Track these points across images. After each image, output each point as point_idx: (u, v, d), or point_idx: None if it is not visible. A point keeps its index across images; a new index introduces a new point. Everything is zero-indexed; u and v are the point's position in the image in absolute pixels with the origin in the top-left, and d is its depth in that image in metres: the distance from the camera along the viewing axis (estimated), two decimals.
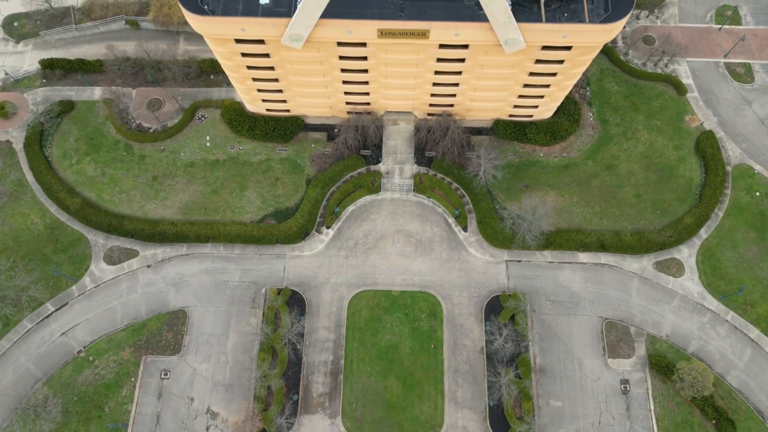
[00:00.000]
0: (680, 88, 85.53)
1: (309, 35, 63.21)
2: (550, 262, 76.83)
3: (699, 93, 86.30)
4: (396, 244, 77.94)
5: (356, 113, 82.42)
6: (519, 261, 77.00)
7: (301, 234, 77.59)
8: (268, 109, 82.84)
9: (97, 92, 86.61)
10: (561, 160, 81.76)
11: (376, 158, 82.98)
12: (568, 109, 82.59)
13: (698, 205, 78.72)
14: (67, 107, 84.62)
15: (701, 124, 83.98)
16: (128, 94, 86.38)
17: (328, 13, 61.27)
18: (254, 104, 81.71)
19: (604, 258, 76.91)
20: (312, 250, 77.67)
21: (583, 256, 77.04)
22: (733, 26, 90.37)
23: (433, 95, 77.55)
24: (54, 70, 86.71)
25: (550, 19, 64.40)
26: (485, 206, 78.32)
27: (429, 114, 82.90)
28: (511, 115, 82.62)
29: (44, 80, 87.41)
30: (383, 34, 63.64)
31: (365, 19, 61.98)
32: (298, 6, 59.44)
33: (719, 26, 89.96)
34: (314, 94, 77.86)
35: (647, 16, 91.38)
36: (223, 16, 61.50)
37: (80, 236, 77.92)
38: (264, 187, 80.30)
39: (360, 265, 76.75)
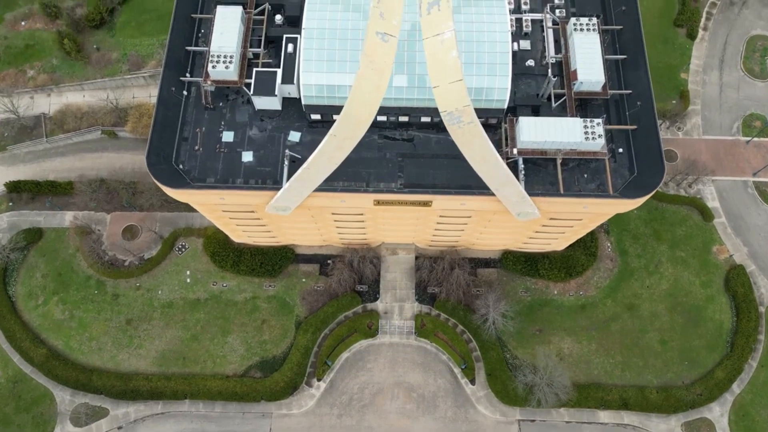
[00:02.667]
0: (706, 214, 78.13)
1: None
2: (567, 422, 69.08)
3: (727, 218, 78.89)
4: (396, 400, 70.23)
5: (351, 247, 75.10)
6: (533, 421, 69.24)
7: (289, 389, 69.86)
8: (254, 241, 75.60)
9: (68, 218, 79.13)
10: (577, 299, 74.24)
11: (374, 294, 75.42)
12: (584, 240, 75.07)
13: (730, 356, 71.09)
14: (34, 237, 77.13)
15: (730, 256, 76.49)
16: (102, 220, 78.95)
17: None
18: (239, 237, 74.38)
19: (628, 418, 69.16)
20: (301, 408, 69.88)
21: (604, 415, 69.30)
22: (762, 139, 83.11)
23: (435, 235, 70.30)
24: (21, 193, 79.50)
25: (568, 180, 57.10)
26: (495, 356, 70.66)
27: (431, 245, 75.63)
28: (522, 246, 75.37)
29: (10, 203, 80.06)
30: (380, 203, 56.43)
31: (359, 192, 54.69)
32: (284, 185, 52.09)
33: (747, 139, 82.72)
34: (305, 231, 70.58)
35: (668, 128, 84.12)
36: (199, 189, 54.01)
37: (45, 392, 70.20)
38: (249, 331, 72.68)
39: (355, 427, 68.98)
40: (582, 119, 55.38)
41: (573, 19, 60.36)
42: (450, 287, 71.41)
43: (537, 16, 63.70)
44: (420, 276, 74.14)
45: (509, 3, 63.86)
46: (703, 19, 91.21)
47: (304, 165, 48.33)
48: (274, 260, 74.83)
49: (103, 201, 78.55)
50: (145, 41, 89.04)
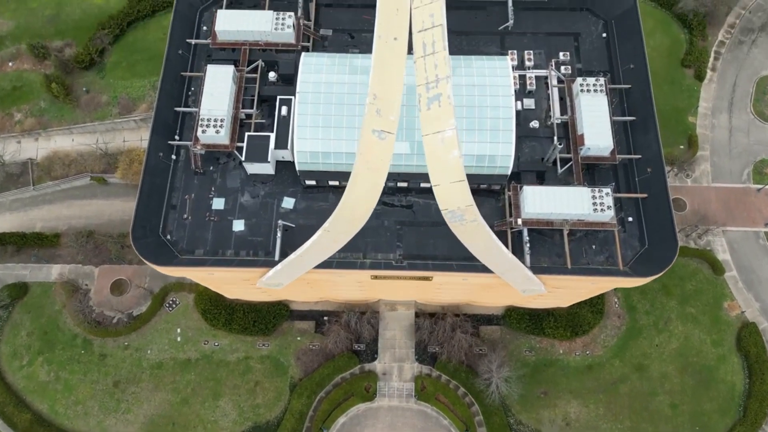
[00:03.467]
0: (717, 267, 75.30)
1: None
2: None
3: (738, 272, 76.06)
4: None
5: (348, 305, 72.35)
6: None
7: None
8: (248, 298, 72.78)
9: (54, 271, 76.28)
10: (583, 359, 71.39)
11: (372, 354, 72.52)
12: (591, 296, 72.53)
13: (743, 421, 68.20)
14: (19, 292, 74.26)
15: (742, 312, 73.67)
16: (90, 274, 76.10)
17: None
18: (233, 294, 71.58)
19: None
20: None
21: None
22: None
23: (436, 295, 67.54)
24: (6, 245, 76.69)
25: (575, 251, 54.22)
26: (498, 421, 67.72)
27: (432, 302, 72.85)
28: (526, 304, 72.54)
29: None
30: (378, 277, 53.72)
31: (355, 269, 51.89)
32: (277, 266, 49.27)
33: (758, 187, 79.96)
34: (301, 291, 67.79)
35: (676, 174, 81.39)
36: (187, 267, 51.20)
37: None
38: (242, 394, 69.77)
39: None
40: (590, 189, 52.64)
41: (579, 80, 57.59)
42: (451, 349, 68.55)
43: (541, 72, 61.00)
44: (420, 336, 71.32)
45: (512, 59, 61.24)
46: (711, 59, 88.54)
47: (297, 252, 45.57)
48: (267, 318, 72.01)
49: (91, 254, 75.72)
50: (136, 83, 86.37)
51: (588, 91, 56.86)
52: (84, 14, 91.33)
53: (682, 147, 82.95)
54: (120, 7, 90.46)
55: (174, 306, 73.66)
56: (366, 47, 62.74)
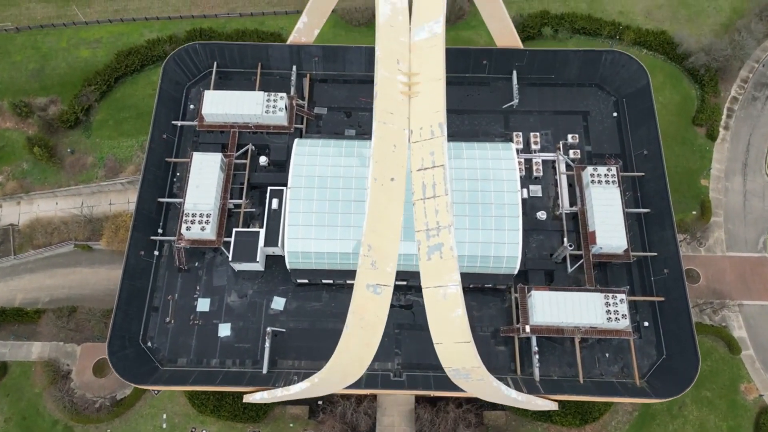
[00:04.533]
0: (733, 345, 71.30)
1: None
2: None
3: (755, 350, 72.10)
4: None
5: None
6: None
7: None
8: None
9: (35, 350, 72.27)
10: None
11: None
12: None
13: None
14: None
15: (760, 396, 69.70)
16: (72, 353, 72.09)
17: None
18: None
19: None
20: None
21: None
22: None
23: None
24: None
25: (588, 358, 50.61)
26: None
27: None
28: None
29: None
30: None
31: (355, 389, 48.08)
32: (264, 394, 45.49)
33: None
34: None
35: (689, 243, 77.54)
36: (167, 386, 47.64)
37: None
38: None
39: None
40: (603, 295, 48.94)
41: (590, 169, 53.95)
42: None
43: (549, 156, 57.41)
44: (420, 425, 67.32)
45: (517, 142, 57.57)
46: (723, 117, 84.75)
47: (286, 390, 41.79)
48: (258, 403, 68.04)
49: (73, 331, 71.77)
50: (124, 142, 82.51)
51: (599, 182, 53.22)
52: (69, 68, 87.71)
53: (694, 213, 79.07)
54: (107, 60, 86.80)
55: (159, 390, 69.70)
56: (362, 126, 59.16)
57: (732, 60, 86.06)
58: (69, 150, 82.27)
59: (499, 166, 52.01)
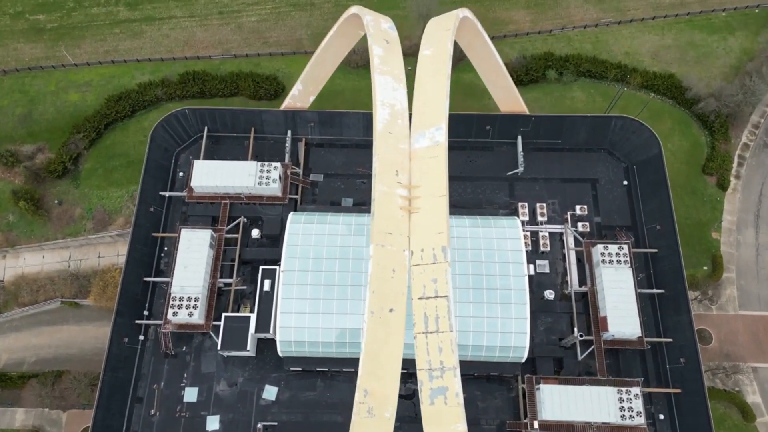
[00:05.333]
0: (747, 412, 68.30)
1: None
2: None
3: None
4: None
5: None
6: None
7: None
8: None
9: (18, 416, 69.32)
10: None
11: None
12: None
13: None
14: None
15: None
16: (57, 420, 69.07)
17: None
18: None
19: None
20: None
21: None
22: None
23: None
24: None
25: None
26: None
27: None
28: None
29: None
30: None
31: None
32: None
33: None
34: None
35: (700, 301, 74.59)
36: None
37: None
38: None
39: None
40: (616, 389, 45.99)
41: (600, 247, 50.98)
42: None
43: (556, 228, 54.51)
44: None
45: (522, 214, 54.61)
46: (735, 165, 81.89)
47: None
48: None
49: (59, 397, 68.78)
50: (113, 192, 79.45)
51: (611, 262, 50.30)
52: (58, 113, 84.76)
53: (705, 268, 76.08)
54: (97, 105, 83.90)
55: None
56: (360, 195, 56.06)
57: (743, 105, 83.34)
58: (56, 201, 79.32)
59: (504, 246, 49.15)
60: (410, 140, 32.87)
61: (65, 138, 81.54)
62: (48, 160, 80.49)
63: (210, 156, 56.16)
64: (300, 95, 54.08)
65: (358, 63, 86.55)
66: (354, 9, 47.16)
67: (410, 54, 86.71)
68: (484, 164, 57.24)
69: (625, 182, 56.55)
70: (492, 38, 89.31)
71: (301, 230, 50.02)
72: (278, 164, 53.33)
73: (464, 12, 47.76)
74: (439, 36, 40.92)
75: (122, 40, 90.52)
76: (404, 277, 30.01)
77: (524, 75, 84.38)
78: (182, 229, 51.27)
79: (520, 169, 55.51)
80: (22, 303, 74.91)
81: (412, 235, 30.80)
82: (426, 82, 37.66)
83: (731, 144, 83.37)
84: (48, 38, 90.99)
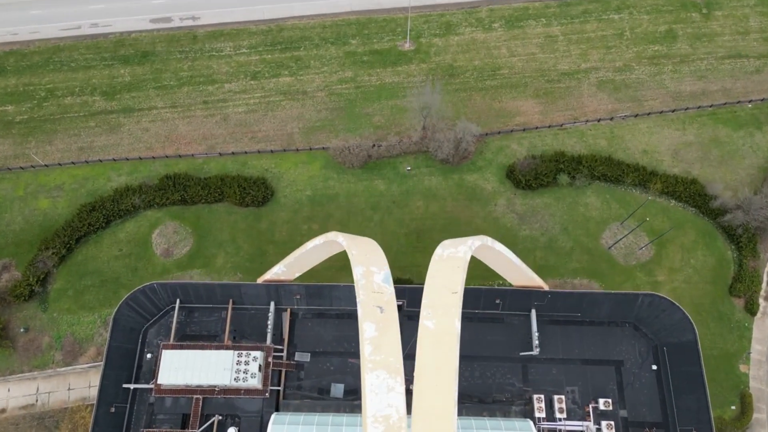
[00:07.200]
0: None
1: None
2: None
3: None
4: None
5: None
6: None
7: None
8: None
9: None
10: None
11: None
12: None
13: None
14: None
15: None
16: None
17: None
18: None
19: None
20: None
21: None
22: None
23: None
24: None
25: None
26: None
27: None
28: None
29: None
30: None
31: None
32: None
33: None
34: None
35: None
36: None
37: None
38: None
39: None
40: None
41: None
42: None
43: (576, 427, 47.78)
44: None
45: (539, 408, 47.91)
46: (764, 285, 75.24)
47: None
48: None
49: None
50: (85, 317, 72.79)
51: None
52: (26, 223, 77.85)
53: (733, 408, 69.56)
54: (68, 214, 77.18)
55: None
56: (351, 378, 49.44)
57: None
58: (22, 329, 72.64)
59: None
60: None
61: (33, 254, 75.01)
62: (14, 282, 73.82)
63: (182, 331, 49.48)
64: (283, 274, 47.37)
65: (353, 163, 79.88)
66: (332, 236, 40.09)
67: (403, 152, 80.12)
68: (495, 340, 50.51)
69: (654, 366, 49.78)
70: (498, 133, 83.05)
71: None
72: (258, 354, 46.59)
73: (480, 241, 40.43)
74: (445, 302, 33.25)
75: (98, 135, 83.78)
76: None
77: (533, 180, 77.77)
78: None
79: (535, 351, 48.79)
80: None
81: None
82: (427, 381, 29.61)
83: (760, 260, 76.61)
84: (17, 132, 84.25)
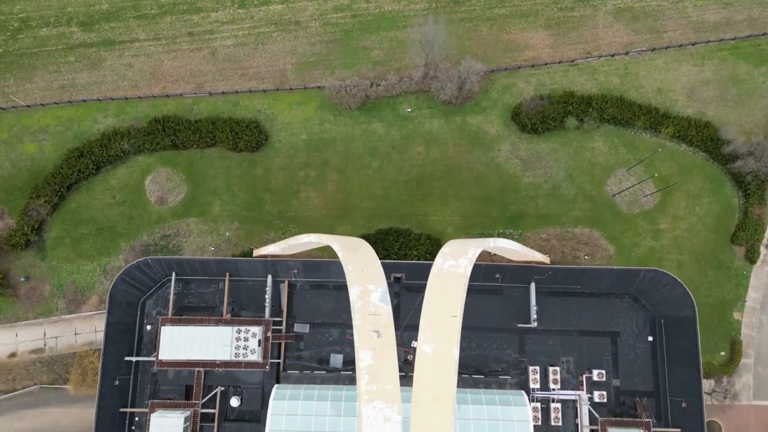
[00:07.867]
0: None
1: None
2: None
3: None
4: None
5: None
6: None
7: None
8: None
9: None
10: None
11: None
12: None
13: None
14: None
15: None
16: None
17: None
18: None
19: None
20: None
21: None
22: None
23: None
24: None
25: None
26: None
27: None
28: None
29: None
30: None
31: None
32: None
33: None
34: None
35: (712, 392, 70.66)
36: None
37: None
38: None
39: None
40: None
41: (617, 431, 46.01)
42: None
43: (570, 395, 49.04)
44: None
45: (534, 381, 48.83)
46: (767, 233, 74.36)
47: None
48: None
49: None
50: (84, 266, 72.69)
51: None
52: (14, 168, 75.27)
53: (723, 354, 71.44)
54: (56, 159, 74.46)
55: None
56: (351, 348, 50.01)
57: None
58: (22, 278, 72.93)
59: (510, 429, 44.25)
60: None
61: (24, 201, 73.47)
62: (8, 228, 73.00)
63: (180, 303, 49.34)
64: (279, 252, 46.21)
65: (350, 104, 75.87)
66: (314, 238, 37.78)
67: (403, 92, 75.81)
68: (493, 311, 50.46)
69: (650, 338, 50.16)
70: (505, 69, 78.07)
71: (286, 410, 44.79)
72: (257, 329, 46.77)
73: (481, 247, 37.97)
74: (444, 326, 31.85)
75: (79, 72, 78.85)
76: None
77: (540, 124, 74.32)
78: (152, 416, 46.03)
79: (533, 324, 48.98)
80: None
81: None
82: (425, 411, 29.23)
83: (767, 208, 75.10)
84: None
